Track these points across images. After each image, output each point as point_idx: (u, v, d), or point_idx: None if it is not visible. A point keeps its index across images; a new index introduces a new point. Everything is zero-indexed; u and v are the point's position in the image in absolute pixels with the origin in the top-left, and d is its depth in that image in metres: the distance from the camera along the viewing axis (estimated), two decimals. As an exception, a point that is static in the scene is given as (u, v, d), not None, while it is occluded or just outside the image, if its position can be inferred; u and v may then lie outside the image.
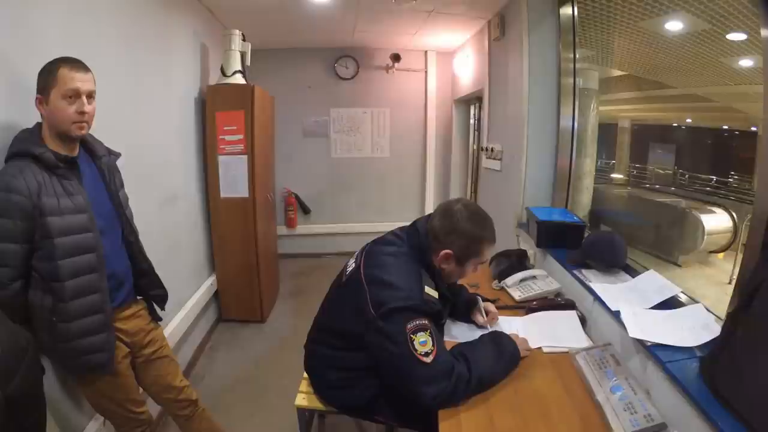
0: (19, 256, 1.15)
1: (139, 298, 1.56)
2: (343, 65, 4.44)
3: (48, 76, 1.17)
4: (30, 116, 1.27)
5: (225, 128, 2.85)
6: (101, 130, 1.42)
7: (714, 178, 2.48)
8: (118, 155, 1.48)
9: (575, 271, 1.79)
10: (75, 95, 1.18)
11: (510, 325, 1.59)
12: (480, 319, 1.58)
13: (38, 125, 1.23)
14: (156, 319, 1.61)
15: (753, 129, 1.86)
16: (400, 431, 1.49)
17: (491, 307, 1.64)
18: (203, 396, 1.77)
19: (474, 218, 1.32)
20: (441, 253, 1.32)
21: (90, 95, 1.23)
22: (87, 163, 1.35)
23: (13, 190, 1.10)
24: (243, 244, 3.02)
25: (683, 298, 1.46)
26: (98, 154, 1.38)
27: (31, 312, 1.21)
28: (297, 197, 4.63)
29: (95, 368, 1.31)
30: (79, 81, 1.19)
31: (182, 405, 1.65)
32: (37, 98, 1.18)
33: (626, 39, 2.53)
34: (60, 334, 1.22)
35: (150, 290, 1.58)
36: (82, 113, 1.20)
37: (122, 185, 1.49)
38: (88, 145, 1.36)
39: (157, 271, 1.59)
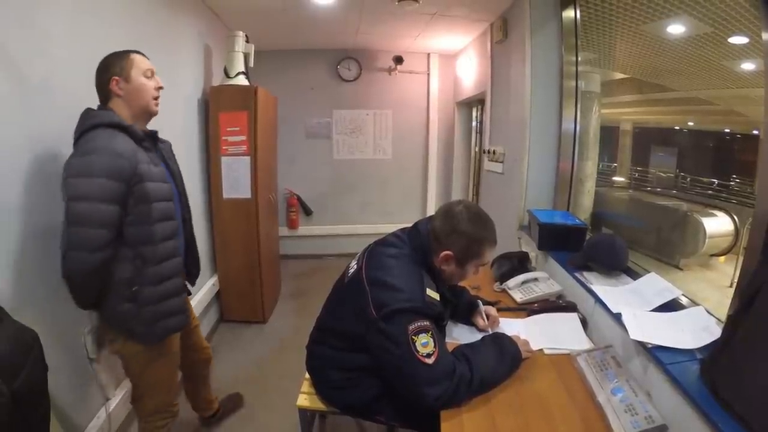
0: (116, 218, 1.20)
1: None
2: (346, 67, 4.46)
3: (123, 60, 1.30)
4: (34, 115, 1.28)
5: (228, 129, 2.86)
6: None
7: (716, 181, 2.48)
8: (169, 143, 1.58)
9: (576, 274, 1.79)
10: (152, 74, 1.35)
11: (511, 326, 1.59)
12: (481, 322, 1.58)
13: (106, 109, 1.30)
14: (188, 293, 1.68)
15: (755, 132, 1.87)
16: (401, 432, 1.50)
17: (492, 310, 1.64)
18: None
19: (475, 219, 1.32)
20: (441, 254, 1.32)
21: None
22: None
23: (121, 154, 1.19)
24: (245, 245, 3.03)
25: (684, 300, 1.46)
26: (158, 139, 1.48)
27: (107, 288, 1.25)
28: (299, 198, 4.63)
29: (174, 329, 1.43)
30: (150, 63, 1.36)
31: (206, 363, 1.88)
32: (113, 80, 1.27)
33: (628, 42, 2.54)
34: (146, 299, 1.29)
35: (191, 266, 1.65)
36: (160, 88, 1.37)
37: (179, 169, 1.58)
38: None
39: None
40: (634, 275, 1.72)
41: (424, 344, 1.14)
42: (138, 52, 1.34)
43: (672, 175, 2.85)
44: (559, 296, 1.85)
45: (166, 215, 1.34)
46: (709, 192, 2.49)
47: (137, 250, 1.26)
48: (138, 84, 1.31)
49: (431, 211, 4.59)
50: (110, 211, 1.18)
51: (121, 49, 1.34)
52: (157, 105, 1.37)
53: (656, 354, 1.15)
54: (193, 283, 1.70)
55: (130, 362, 1.42)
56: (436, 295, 1.27)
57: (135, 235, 1.25)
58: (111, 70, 1.28)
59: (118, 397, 1.75)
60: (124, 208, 1.22)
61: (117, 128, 1.23)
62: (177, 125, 2.51)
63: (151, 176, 1.27)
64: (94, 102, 1.35)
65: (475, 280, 1.86)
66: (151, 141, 1.39)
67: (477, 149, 4.33)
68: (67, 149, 1.44)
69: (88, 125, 1.22)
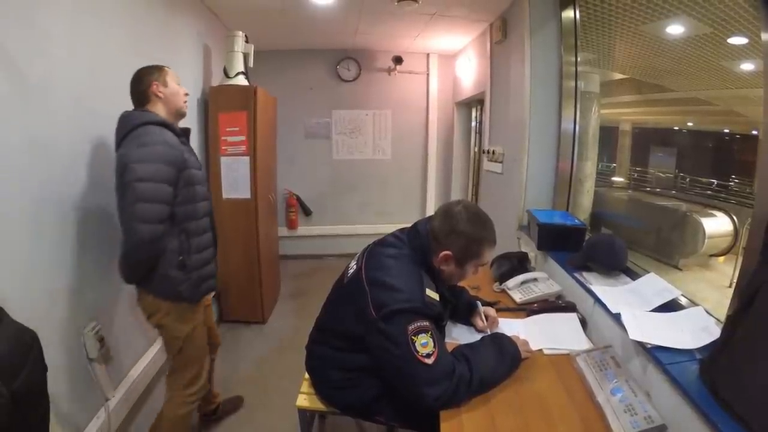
0: (172, 197, 1.44)
1: None
2: (345, 67, 4.46)
3: (159, 70, 1.54)
4: (35, 113, 1.28)
5: (227, 129, 2.86)
6: (108, 128, 1.46)
7: (715, 181, 2.48)
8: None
9: (576, 274, 1.79)
10: (179, 82, 1.61)
11: (511, 326, 1.59)
12: (480, 323, 1.58)
13: (145, 111, 1.50)
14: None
15: (754, 132, 1.87)
16: (400, 432, 1.50)
17: (491, 311, 1.64)
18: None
19: (474, 219, 1.32)
20: (440, 254, 1.32)
21: None
22: None
23: (172, 146, 1.45)
24: (244, 246, 3.02)
25: (683, 301, 1.46)
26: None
27: (161, 258, 1.46)
28: (298, 198, 4.63)
29: (210, 289, 1.67)
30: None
31: (214, 347, 1.95)
32: (154, 84, 1.51)
33: (627, 42, 2.54)
34: (192, 265, 1.54)
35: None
36: (186, 93, 1.63)
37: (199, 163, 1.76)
38: None
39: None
40: (634, 275, 1.72)
41: (424, 344, 1.14)
42: (166, 66, 1.59)
43: (671, 175, 2.86)
44: (559, 296, 1.85)
45: (204, 196, 1.61)
46: (709, 192, 2.50)
47: (182, 225, 1.49)
48: (174, 89, 1.56)
49: (431, 211, 4.59)
50: (168, 191, 1.42)
51: (120, 50, 1.35)
52: (186, 106, 1.63)
53: (655, 354, 1.15)
54: None
55: (172, 332, 1.57)
56: (435, 296, 1.27)
57: (183, 213, 1.49)
58: (150, 78, 1.51)
59: (118, 397, 1.75)
60: (174, 190, 1.44)
61: (162, 125, 1.46)
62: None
63: (192, 164, 1.53)
64: (93, 101, 1.37)
65: (475, 280, 1.86)
66: (186, 137, 1.62)
67: (476, 149, 4.33)
68: (66, 148, 1.47)
69: (136, 123, 1.41)
